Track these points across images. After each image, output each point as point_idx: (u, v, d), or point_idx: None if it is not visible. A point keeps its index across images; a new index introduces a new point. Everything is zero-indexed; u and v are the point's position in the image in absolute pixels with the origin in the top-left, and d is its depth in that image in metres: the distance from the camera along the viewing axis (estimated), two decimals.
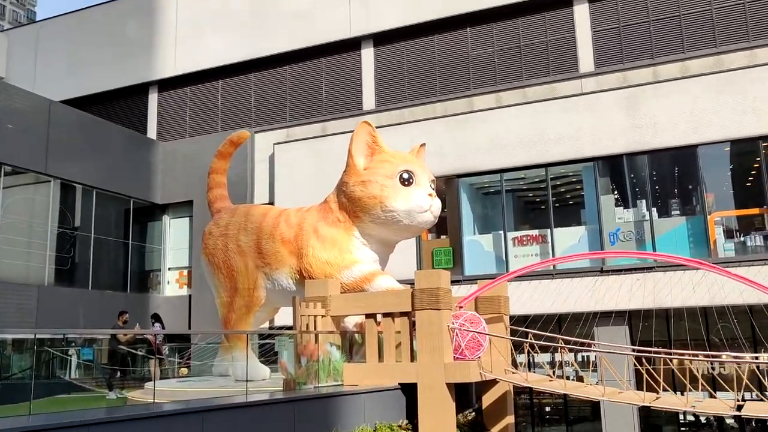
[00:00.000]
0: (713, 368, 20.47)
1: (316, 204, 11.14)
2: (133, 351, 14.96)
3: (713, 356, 10.96)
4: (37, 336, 9.56)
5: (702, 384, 8.44)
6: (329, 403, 7.89)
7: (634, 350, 9.37)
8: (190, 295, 22.70)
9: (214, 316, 12.54)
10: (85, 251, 21.34)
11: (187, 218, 23.72)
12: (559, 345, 9.54)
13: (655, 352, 9.96)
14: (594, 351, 9.40)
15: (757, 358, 10.05)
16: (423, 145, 11.25)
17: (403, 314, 9.25)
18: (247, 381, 7.98)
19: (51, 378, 14.39)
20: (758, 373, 8.87)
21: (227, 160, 12.69)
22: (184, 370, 16.32)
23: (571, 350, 9.46)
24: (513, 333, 11.03)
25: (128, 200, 23.14)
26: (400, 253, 15.57)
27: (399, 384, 8.99)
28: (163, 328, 15.61)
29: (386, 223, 10.23)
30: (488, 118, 20.37)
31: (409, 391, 8.94)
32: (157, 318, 15.53)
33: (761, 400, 8.78)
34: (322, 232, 10.45)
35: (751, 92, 17.63)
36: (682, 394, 8.58)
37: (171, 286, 24.12)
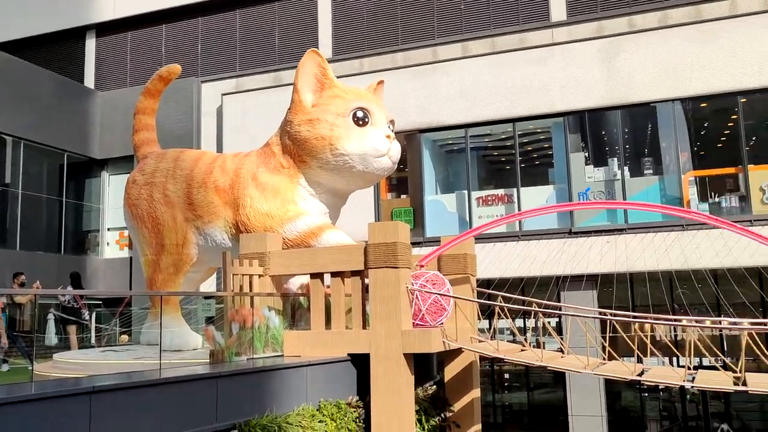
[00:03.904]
0: (675, 334, 19.84)
1: (257, 148, 9.66)
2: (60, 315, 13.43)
3: (698, 321, 10.02)
4: None
5: (653, 350, 7.48)
6: (263, 379, 6.56)
7: (612, 314, 8.26)
8: (131, 258, 21.02)
9: None
10: (13, 209, 19.46)
11: (128, 174, 21.87)
12: (533, 309, 8.36)
13: (634, 317, 8.94)
14: (574, 315, 8.28)
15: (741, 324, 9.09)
16: (381, 82, 9.83)
17: (355, 274, 7.94)
18: (161, 353, 6.60)
19: None
20: (704, 340, 7.85)
21: (156, 98, 11.06)
22: (125, 338, 14.85)
23: (545, 315, 8.31)
24: (479, 296, 9.85)
25: (62, 154, 21.21)
26: (356, 214, 14.22)
27: (349, 355, 7.71)
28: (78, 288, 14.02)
29: (337, 168, 8.81)
30: (453, 68, 19.00)
31: (361, 362, 7.68)
32: (73, 278, 13.92)
33: (715, 368, 7.93)
34: (262, 179, 9.00)
35: (730, 45, 16.60)
36: (640, 361, 7.64)
37: (111, 247, 22.40)
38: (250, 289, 7.92)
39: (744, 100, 16.90)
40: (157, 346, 9.48)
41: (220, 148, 20.34)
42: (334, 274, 8.03)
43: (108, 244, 22.46)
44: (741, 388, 6.90)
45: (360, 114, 8.79)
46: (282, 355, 7.83)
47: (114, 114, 21.73)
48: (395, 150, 9.06)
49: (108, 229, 22.47)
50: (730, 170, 17.34)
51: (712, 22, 16.93)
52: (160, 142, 11.43)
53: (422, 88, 19.04)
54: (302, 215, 8.86)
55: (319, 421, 6.79)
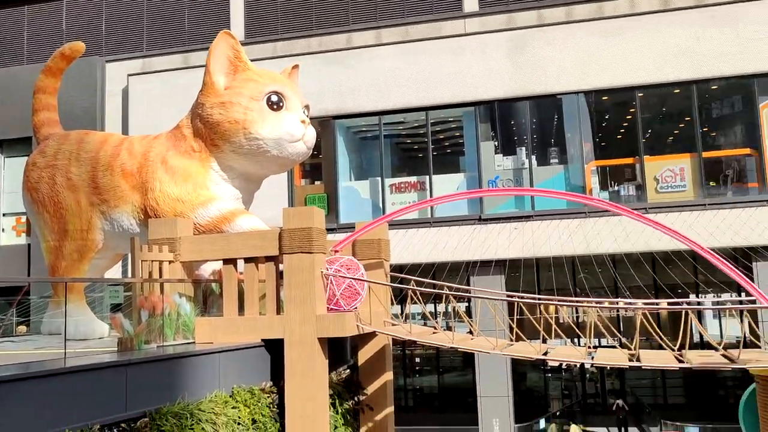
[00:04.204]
0: (577, 316, 20.84)
1: (166, 131, 9.39)
2: None
3: (597, 302, 10.57)
4: None
5: (557, 330, 7.95)
6: (174, 366, 6.44)
7: (519, 297, 8.61)
8: (29, 245, 19.97)
9: None
10: None
11: (26, 157, 20.72)
12: (445, 292, 8.59)
13: (540, 299, 9.36)
14: (483, 298, 8.57)
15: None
16: (296, 66, 9.75)
17: (269, 259, 7.88)
18: (65, 342, 6.34)
19: None
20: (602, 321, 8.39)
21: (58, 77, 10.54)
22: (23, 328, 14.13)
23: (456, 298, 8.55)
24: (393, 281, 10.00)
25: None
26: (269, 200, 14.07)
27: (263, 341, 7.67)
28: None
29: (251, 153, 8.70)
30: (368, 56, 19.07)
31: (275, 348, 7.66)
32: None
33: (614, 347, 8.50)
34: (172, 163, 8.76)
35: (629, 42, 17.46)
36: (544, 341, 8.06)
37: (6, 234, 21.19)
38: (160, 276, 7.73)
39: (641, 94, 17.85)
40: (59, 336, 9.11)
41: (126, 131, 19.59)
42: (247, 260, 7.95)
43: (3, 230, 21.25)
44: (635, 363, 7.36)
45: (274, 98, 8.70)
46: (193, 342, 7.70)
47: (10, 92, 20.50)
48: (310, 135, 9.04)
49: (3, 215, 21.25)
50: (628, 161, 18.31)
51: (613, 19, 17.75)
52: (61, 124, 10.92)
53: (337, 75, 19.01)
54: (214, 200, 8.70)
55: (233, 408, 6.74)
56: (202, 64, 19.11)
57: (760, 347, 8.19)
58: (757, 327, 10.46)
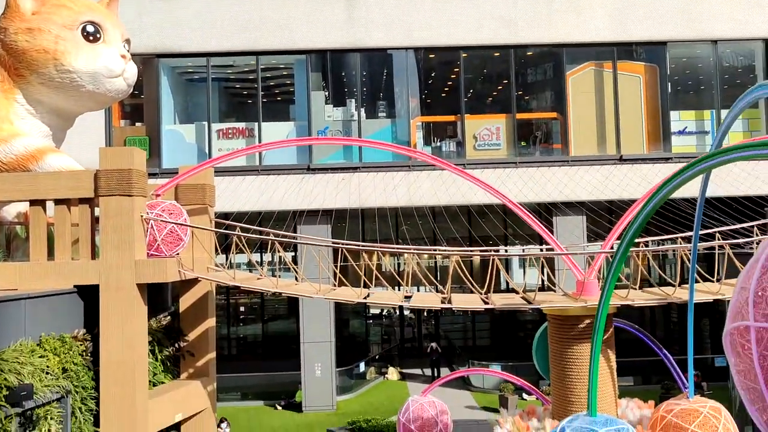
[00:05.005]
0: (399, 264, 21.86)
1: None
2: None
3: (429, 251, 11.17)
4: None
5: (378, 276, 8.46)
6: None
7: (343, 244, 8.89)
8: None
9: None
10: None
11: None
12: (270, 239, 8.63)
13: (362, 246, 9.71)
14: (309, 244, 8.73)
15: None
16: None
17: (83, 201, 7.41)
18: None
19: None
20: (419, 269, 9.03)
21: None
22: None
23: (282, 247, 8.61)
24: (218, 227, 9.84)
25: None
26: (83, 141, 13.17)
27: (75, 287, 7.25)
28: None
29: (62, 86, 8.02)
30: None
31: (90, 294, 7.28)
32: None
33: (432, 291, 9.19)
34: None
35: (458, 1, 18.17)
36: (366, 287, 8.46)
37: None
38: None
39: (465, 55, 18.75)
40: None
41: None
42: (58, 202, 7.42)
43: None
44: (447, 305, 7.94)
45: (91, 29, 8.06)
46: None
47: None
48: (131, 72, 8.51)
49: None
50: (451, 118, 19.27)
51: None
52: None
53: (161, 10, 17.92)
54: (19, 136, 7.95)
55: (40, 357, 6.36)
56: None
57: (555, 291, 9.17)
58: (554, 274, 11.67)
